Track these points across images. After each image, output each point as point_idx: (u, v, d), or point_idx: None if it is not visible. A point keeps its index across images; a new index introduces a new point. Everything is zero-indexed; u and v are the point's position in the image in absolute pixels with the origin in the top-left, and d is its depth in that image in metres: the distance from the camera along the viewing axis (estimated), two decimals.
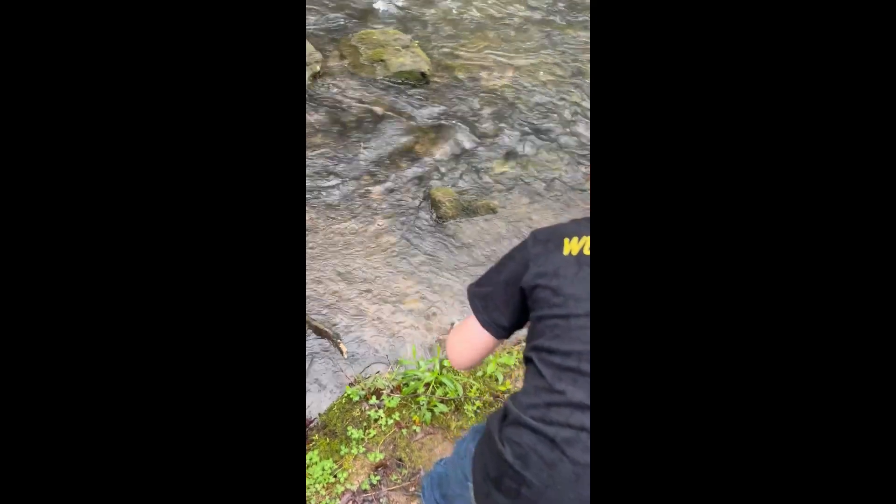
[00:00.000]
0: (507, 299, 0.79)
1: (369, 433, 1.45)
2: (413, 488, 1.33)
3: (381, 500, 1.31)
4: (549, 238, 0.76)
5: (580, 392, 0.66)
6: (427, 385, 1.53)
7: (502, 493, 0.71)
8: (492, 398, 1.54)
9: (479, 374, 1.62)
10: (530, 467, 0.68)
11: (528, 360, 0.76)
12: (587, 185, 2.77)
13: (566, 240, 0.73)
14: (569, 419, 0.66)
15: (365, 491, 1.32)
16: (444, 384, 1.52)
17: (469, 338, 0.85)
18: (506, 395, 1.54)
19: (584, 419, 0.65)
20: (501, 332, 0.82)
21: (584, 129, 3.14)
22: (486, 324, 0.81)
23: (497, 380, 1.57)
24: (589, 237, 0.72)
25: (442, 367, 1.62)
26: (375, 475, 1.35)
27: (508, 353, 1.71)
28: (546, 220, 2.53)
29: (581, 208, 2.62)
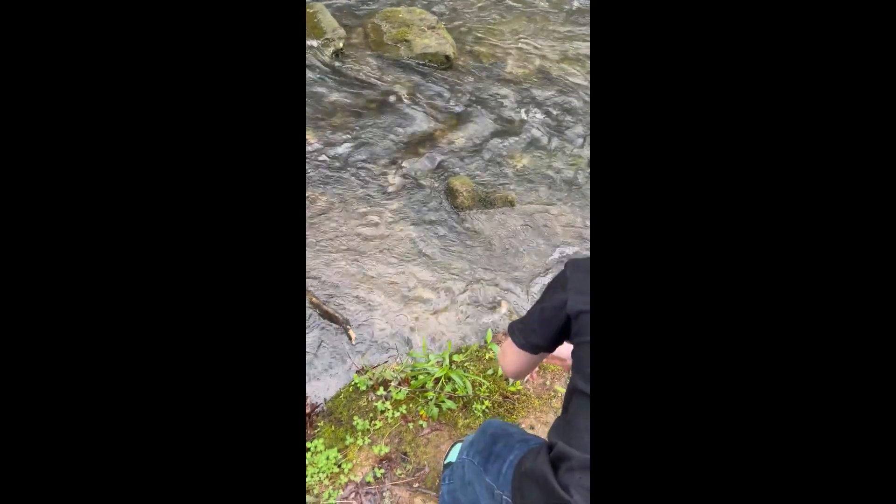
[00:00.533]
0: (543, 320, 0.79)
1: (375, 425, 1.43)
2: (416, 484, 1.32)
3: (384, 493, 1.30)
4: (588, 267, 0.74)
5: None
6: (436, 380, 1.51)
7: None
8: (501, 398, 1.52)
9: (490, 372, 1.60)
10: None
11: (577, 392, 0.72)
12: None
13: None
14: None
15: (368, 483, 1.31)
16: (454, 380, 1.50)
17: (510, 355, 0.91)
18: (517, 396, 1.52)
19: None
20: (538, 349, 0.84)
21: None
22: (521, 346, 0.85)
23: (508, 380, 1.55)
24: None
25: (451, 362, 1.59)
26: (380, 468, 1.34)
27: None
28: (564, 215, 2.48)
29: None
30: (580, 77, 3.31)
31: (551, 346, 0.82)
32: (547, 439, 0.78)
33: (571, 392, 0.74)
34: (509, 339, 0.89)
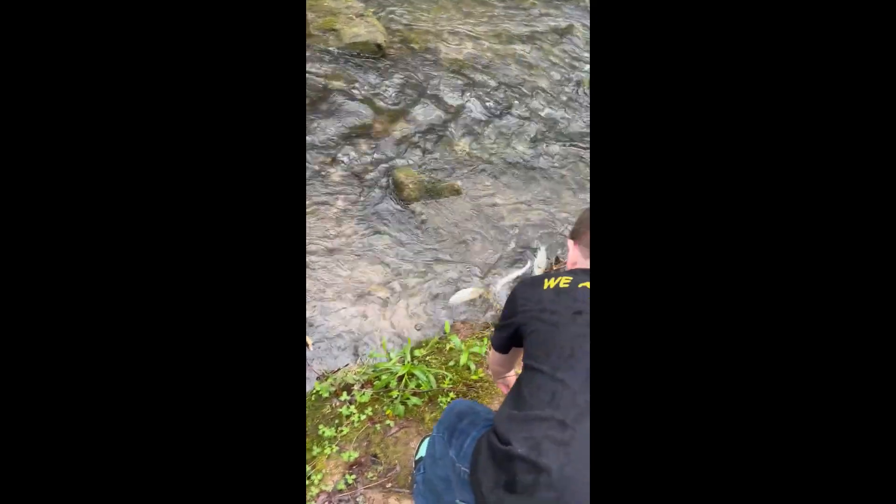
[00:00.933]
0: (505, 332, 1.00)
1: (342, 431, 1.41)
2: (389, 484, 1.32)
3: (357, 499, 1.29)
4: (533, 282, 0.96)
5: (580, 378, 0.76)
6: (399, 378, 1.50)
7: (517, 493, 0.71)
8: (465, 388, 1.54)
9: (452, 363, 1.61)
10: (544, 453, 0.71)
11: (527, 368, 0.84)
12: (544, 163, 2.77)
13: (545, 280, 0.93)
14: (575, 399, 0.74)
15: (340, 491, 1.30)
16: (417, 376, 1.50)
17: (490, 356, 1.15)
18: (480, 384, 1.55)
19: (588, 398, 0.74)
20: (505, 349, 1.06)
21: (543, 106, 3.12)
22: (495, 346, 1.08)
23: (469, 369, 1.57)
24: (564, 278, 0.92)
25: (413, 357, 1.59)
26: (351, 474, 1.32)
27: (479, 339, 1.71)
28: (509, 200, 2.52)
29: (542, 187, 2.63)
30: (511, 60, 3.35)
31: (519, 345, 1.00)
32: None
33: (524, 360, 0.88)
34: (492, 348, 1.10)
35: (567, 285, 0.88)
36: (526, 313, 0.90)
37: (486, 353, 1.60)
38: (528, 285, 0.95)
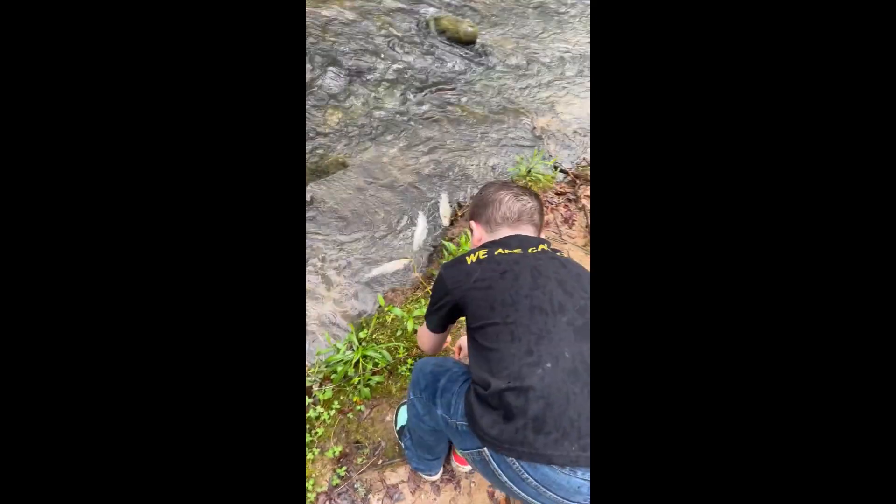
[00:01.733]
0: (441, 313, 1.06)
1: (316, 433, 1.42)
2: (380, 461, 1.38)
3: (354, 486, 1.33)
4: (455, 262, 1.05)
5: (524, 315, 0.88)
6: (355, 364, 1.52)
7: (515, 418, 0.80)
8: (420, 351, 1.62)
9: (399, 333, 1.66)
10: (524, 377, 0.82)
11: (478, 328, 0.92)
12: (417, 112, 2.79)
13: (467, 257, 1.03)
14: (529, 329, 0.86)
15: (336, 486, 1.33)
16: (371, 356, 1.53)
17: (426, 337, 1.18)
18: None
19: (537, 322, 0.86)
20: (441, 328, 1.13)
21: (402, 55, 3.07)
22: (433, 330, 1.13)
23: (417, 332, 1.64)
24: (481, 252, 1.02)
25: (360, 341, 1.61)
26: (340, 467, 1.35)
27: (417, 302, 1.77)
28: (396, 158, 2.52)
29: (422, 136, 2.66)
30: (361, 15, 3.19)
31: (452, 323, 1.12)
32: (472, 374, 0.96)
33: (472, 332, 0.96)
34: (424, 326, 1.15)
35: (486, 255, 1.01)
36: (459, 289, 0.98)
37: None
38: (451, 266, 1.04)
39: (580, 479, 0.79)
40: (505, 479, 0.85)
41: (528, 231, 1.11)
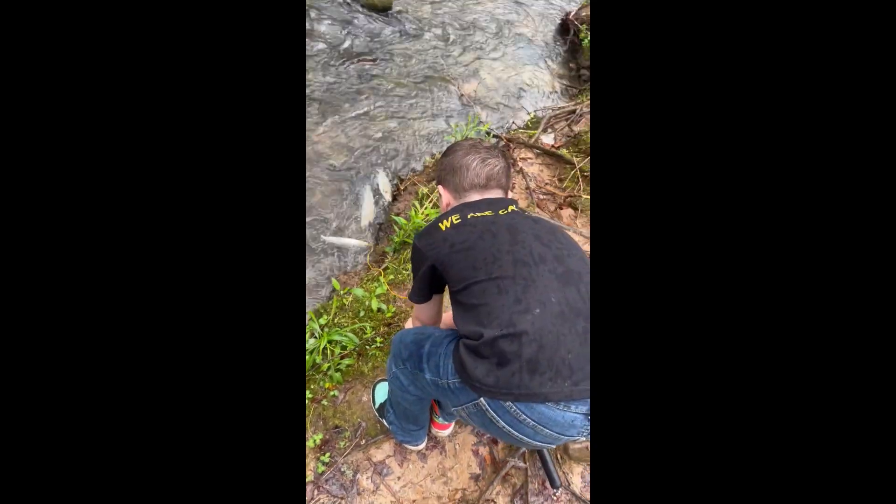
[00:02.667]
0: (423, 282, 1.06)
1: None
2: (363, 441, 1.38)
3: (341, 469, 1.33)
4: (427, 231, 1.05)
5: (508, 268, 0.92)
6: (322, 351, 1.48)
7: (510, 363, 0.84)
8: (387, 327, 1.61)
9: (363, 313, 1.64)
10: (516, 323, 0.85)
11: (462, 290, 0.94)
12: (340, 87, 2.67)
13: (439, 223, 1.04)
14: (515, 280, 0.90)
15: (322, 473, 1.31)
16: (337, 340, 1.50)
17: (421, 311, 1.18)
18: (395, 320, 1.63)
19: (523, 273, 0.90)
20: (427, 297, 1.12)
21: (315, 25, 2.89)
22: (421, 301, 1.13)
23: (382, 310, 1.63)
24: (454, 216, 1.03)
25: (322, 327, 1.57)
26: (324, 454, 1.34)
27: (377, 282, 1.75)
28: (324, 136, 2.41)
29: (349, 110, 2.56)
30: None
31: (438, 291, 1.13)
32: (458, 330, 0.98)
33: (456, 295, 0.98)
34: (415, 305, 1.16)
35: (459, 220, 1.02)
36: (436, 254, 1.00)
37: (403, 304, 1.67)
38: (425, 235, 1.05)
39: (573, 413, 0.86)
40: (503, 423, 0.89)
41: (496, 194, 1.13)
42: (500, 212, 1.04)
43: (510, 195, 1.18)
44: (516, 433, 0.90)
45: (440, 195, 1.19)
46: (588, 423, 0.87)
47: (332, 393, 1.46)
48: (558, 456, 1.40)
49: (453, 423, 1.38)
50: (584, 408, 0.85)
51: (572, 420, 0.86)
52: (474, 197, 1.11)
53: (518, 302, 0.88)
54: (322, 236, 2.02)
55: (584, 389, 0.83)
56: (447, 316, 1.33)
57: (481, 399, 0.89)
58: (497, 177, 1.13)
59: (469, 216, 1.03)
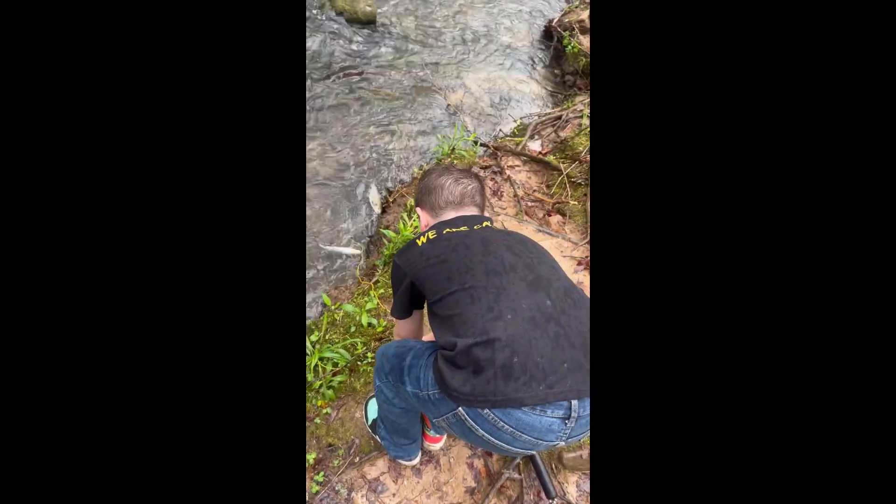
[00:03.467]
0: (404, 299, 1.09)
1: None
2: (357, 458, 1.38)
3: (336, 488, 1.32)
4: (406, 248, 1.08)
5: (480, 278, 0.93)
6: (314, 368, 1.48)
7: (484, 371, 0.85)
8: (377, 343, 1.61)
9: (353, 329, 1.64)
10: (489, 331, 0.87)
11: (437, 301, 0.96)
12: (328, 101, 2.68)
13: (417, 240, 1.08)
14: (486, 289, 0.92)
15: (317, 493, 1.31)
16: (329, 357, 1.50)
17: (402, 327, 1.19)
18: (386, 334, 1.63)
19: (495, 282, 0.92)
20: (408, 313, 1.14)
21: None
22: (402, 317, 1.15)
23: (372, 325, 1.62)
24: (430, 233, 1.07)
25: (313, 344, 1.57)
26: (318, 474, 1.33)
27: (367, 296, 1.75)
28: (314, 151, 2.42)
29: (337, 126, 2.57)
30: None
31: (419, 306, 1.15)
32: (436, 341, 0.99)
33: (432, 307, 1.00)
34: (396, 321, 1.18)
35: (435, 235, 1.06)
36: (413, 270, 1.03)
37: (386, 315, 1.67)
38: (403, 252, 1.08)
39: (550, 418, 0.86)
40: (482, 432, 0.90)
41: (471, 211, 1.17)
42: (476, 227, 1.08)
43: (486, 213, 1.21)
44: (496, 440, 0.90)
45: (419, 217, 1.22)
46: (565, 427, 0.88)
47: (324, 411, 1.45)
48: (553, 466, 1.39)
49: (445, 436, 1.38)
50: (560, 412, 0.86)
51: (549, 425, 0.86)
52: (450, 215, 1.15)
53: (490, 310, 0.89)
54: (319, 244, 2.03)
55: (558, 392, 0.84)
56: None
57: (460, 408, 0.90)
58: (471, 194, 1.18)
59: (445, 231, 1.07)
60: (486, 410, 0.86)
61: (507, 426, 0.87)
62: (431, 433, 1.36)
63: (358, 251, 2.02)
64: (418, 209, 1.23)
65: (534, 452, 1.20)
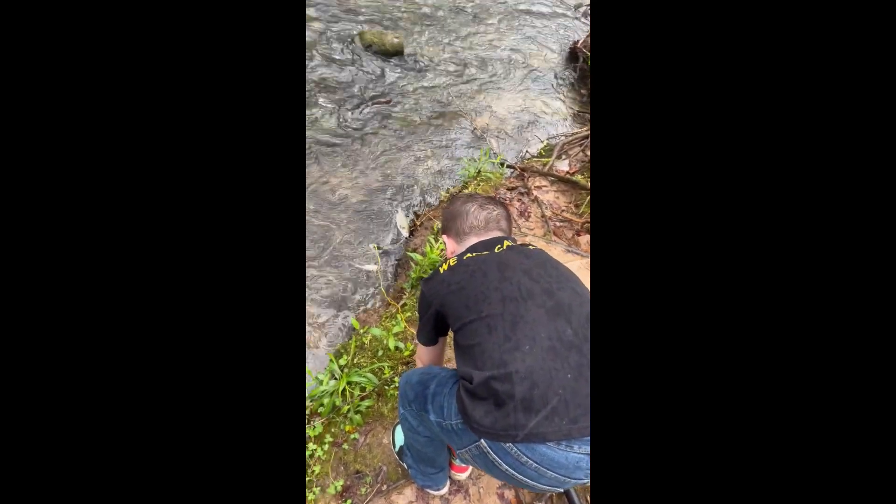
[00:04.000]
0: (428, 325, 1.09)
1: (314, 471, 1.36)
2: (384, 486, 1.35)
3: None
4: (432, 274, 1.09)
5: (496, 305, 0.91)
6: (342, 393, 1.48)
7: (504, 404, 0.82)
8: (404, 367, 1.60)
9: (381, 353, 1.63)
10: (507, 363, 0.84)
11: (458, 330, 0.95)
12: (357, 129, 2.76)
13: (440, 268, 1.08)
14: (503, 318, 0.90)
15: None
16: (356, 381, 1.50)
17: (424, 353, 1.18)
18: (414, 358, 1.62)
19: (511, 310, 0.89)
20: (433, 341, 1.13)
21: (332, 74, 3.03)
22: (426, 343, 1.14)
23: (399, 349, 1.62)
24: (451, 260, 1.06)
25: (341, 368, 1.57)
26: (345, 501, 1.31)
27: (394, 320, 1.75)
28: (343, 177, 2.48)
29: (365, 153, 2.63)
30: None
31: (443, 334, 1.14)
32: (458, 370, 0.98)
33: (456, 336, 0.98)
34: (420, 345, 1.17)
35: (456, 262, 1.05)
36: (437, 298, 1.03)
37: (413, 345, 1.67)
38: (429, 280, 1.09)
39: (578, 454, 0.81)
40: (505, 466, 0.86)
41: (495, 236, 1.15)
42: (496, 249, 1.06)
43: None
44: (520, 476, 0.86)
45: (445, 244, 1.22)
46: None
47: (352, 436, 1.44)
48: (587, 497, 1.32)
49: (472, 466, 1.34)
50: (588, 447, 0.81)
51: (577, 461, 0.82)
52: (474, 241, 1.14)
53: (507, 340, 0.87)
54: (353, 263, 2.07)
55: (583, 427, 0.80)
56: None
57: (482, 441, 0.87)
58: (496, 220, 1.17)
59: (465, 257, 1.05)
60: (509, 444, 0.83)
61: (531, 461, 0.83)
62: (458, 462, 1.32)
63: (375, 266, 2.03)
64: (444, 236, 1.23)
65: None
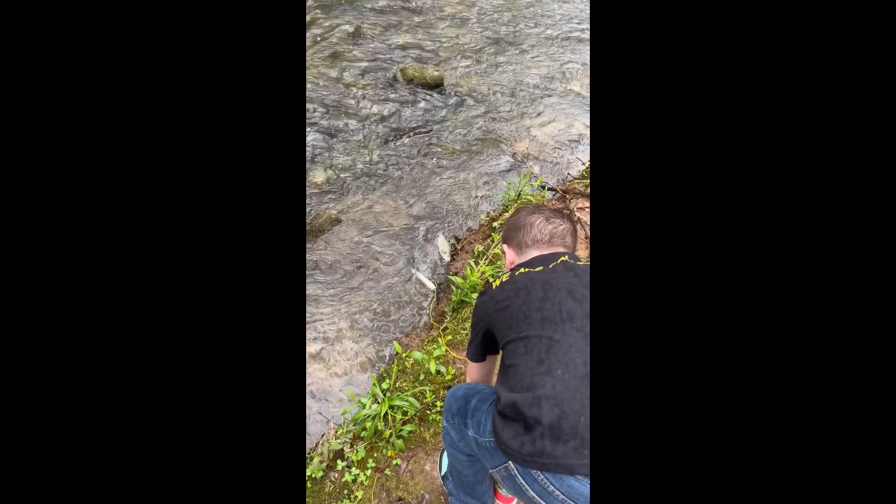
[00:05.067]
0: (478, 342, 1.07)
1: (356, 497, 1.35)
2: None
3: None
4: (484, 290, 1.08)
5: (535, 327, 0.89)
6: (384, 416, 1.47)
7: (533, 428, 0.79)
8: (444, 391, 1.57)
9: (423, 377, 1.62)
10: (537, 387, 0.82)
11: (502, 348, 0.93)
12: (397, 158, 2.85)
13: (493, 283, 1.06)
14: (540, 340, 0.87)
15: None
16: (399, 405, 1.49)
17: (474, 370, 1.16)
18: (455, 382, 1.59)
19: (550, 334, 0.87)
20: (481, 357, 1.11)
21: (376, 108, 3.17)
22: (475, 360, 1.12)
23: (441, 373, 1.60)
24: (505, 275, 1.04)
25: (384, 391, 1.57)
26: None
27: (435, 343, 1.74)
28: (387, 206, 2.55)
29: (407, 181, 2.70)
30: (327, 81, 3.30)
31: (493, 353, 1.11)
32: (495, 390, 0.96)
33: (502, 351, 0.96)
34: (469, 362, 1.15)
35: (507, 277, 1.02)
36: (487, 314, 1.01)
37: (462, 365, 1.65)
38: (482, 295, 1.07)
39: None
40: (532, 493, 0.83)
41: (559, 251, 1.09)
42: (550, 265, 1.00)
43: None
44: None
45: (505, 254, 1.18)
46: None
47: (395, 462, 1.42)
48: None
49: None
50: None
51: None
52: (535, 254, 1.09)
53: (540, 363, 0.84)
54: (411, 269, 2.10)
55: None
56: None
57: (510, 463, 0.84)
58: (561, 235, 1.10)
59: (518, 272, 1.01)
60: (536, 471, 0.79)
61: (558, 492, 0.79)
62: (504, 492, 1.27)
63: (434, 286, 2.05)
64: (504, 246, 1.18)
65: None
